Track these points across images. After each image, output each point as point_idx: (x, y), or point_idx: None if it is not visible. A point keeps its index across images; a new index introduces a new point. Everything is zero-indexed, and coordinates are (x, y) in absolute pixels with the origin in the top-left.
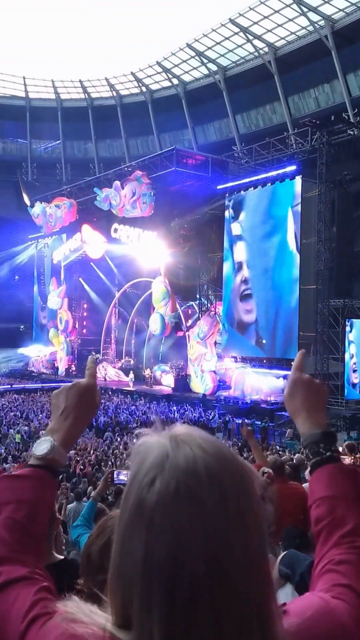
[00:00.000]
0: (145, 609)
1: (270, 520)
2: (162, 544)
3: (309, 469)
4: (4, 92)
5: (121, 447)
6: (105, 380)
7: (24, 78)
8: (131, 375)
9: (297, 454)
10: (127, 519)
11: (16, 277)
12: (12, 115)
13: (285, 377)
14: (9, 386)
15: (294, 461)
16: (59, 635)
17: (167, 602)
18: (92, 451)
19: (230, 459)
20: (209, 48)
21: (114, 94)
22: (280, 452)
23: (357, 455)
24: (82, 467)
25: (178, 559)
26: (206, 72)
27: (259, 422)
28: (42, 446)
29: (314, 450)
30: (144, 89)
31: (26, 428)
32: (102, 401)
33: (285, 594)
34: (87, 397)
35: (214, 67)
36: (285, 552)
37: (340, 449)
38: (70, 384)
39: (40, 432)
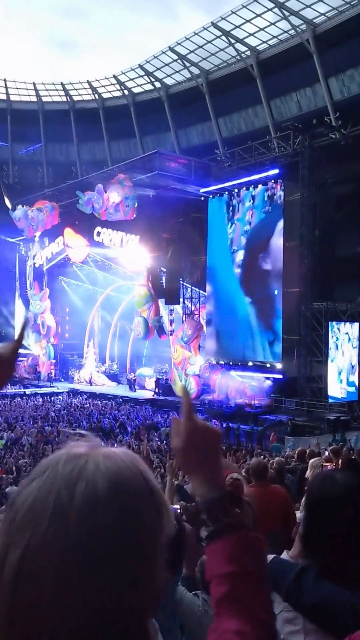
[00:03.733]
0: None
1: (251, 524)
2: (17, 544)
3: (204, 536)
4: None
5: None
6: (89, 384)
7: (5, 80)
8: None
9: (277, 457)
10: None
11: None
12: None
13: (270, 379)
14: None
15: (275, 464)
16: None
17: (9, 610)
18: None
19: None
20: (192, 51)
21: (96, 96)
22: (264, 456)
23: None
24: None
25: (25, 568)
26: (189, 75)
27: (245, 426)
28: None
29: (214, 517)
30: (126, 92)
31: (9, 434)
32: (86, 406)
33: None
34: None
35: (196, 71)
36: (271, 558)
37: (327, 453)
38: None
39: (25, 437)
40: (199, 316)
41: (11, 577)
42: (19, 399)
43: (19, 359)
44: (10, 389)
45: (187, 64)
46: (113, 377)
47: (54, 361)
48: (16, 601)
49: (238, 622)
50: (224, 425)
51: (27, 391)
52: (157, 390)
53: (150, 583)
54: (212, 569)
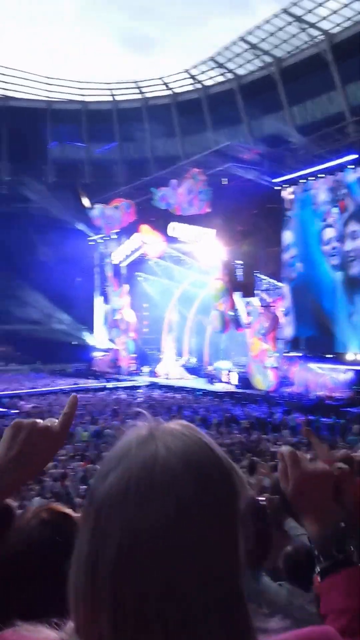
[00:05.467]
0: (90, 617)
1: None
2: (109, 542)
3: (318, 573)
4: (62, 96)
5: None
6: (167, 378)
7: (80, 82)
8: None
9: None
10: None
11: (78, 279)
12: (70, 119)
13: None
14: (74, 385)
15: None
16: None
17: (114, 609)
18: None
19: (198, 461)
20: (263, 40)
21: (169, 92)
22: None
23: None
24: None
25: (124, 560)
26: (261, 64)
27: (326, 419)
28: None
29: (326, 553)
30: (198, 85)
31: (93, 426)
32: (165, 399)
33: None
34: (49, 445)
35: (268, 59)
36: None
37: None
38: (38, 421)
39: (105, 430)
40: (275, 308)
41: (108, 576)
42: (101, 393)
43: (102, 354)
44: (93, 383)
45: (259, 53)
46: (191, 371)
47: (134, 355)
48: (121, 598)
49: None
50: (304, 418)
51: (109, 385)
52: (233, 383)
53: (234, 547)
54: (328, 604)
